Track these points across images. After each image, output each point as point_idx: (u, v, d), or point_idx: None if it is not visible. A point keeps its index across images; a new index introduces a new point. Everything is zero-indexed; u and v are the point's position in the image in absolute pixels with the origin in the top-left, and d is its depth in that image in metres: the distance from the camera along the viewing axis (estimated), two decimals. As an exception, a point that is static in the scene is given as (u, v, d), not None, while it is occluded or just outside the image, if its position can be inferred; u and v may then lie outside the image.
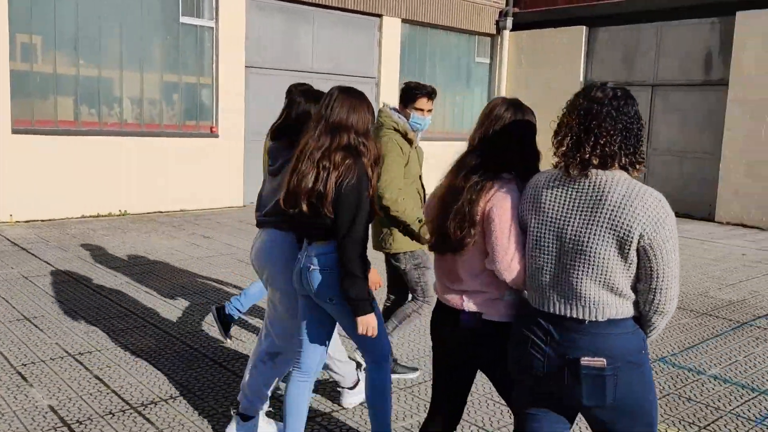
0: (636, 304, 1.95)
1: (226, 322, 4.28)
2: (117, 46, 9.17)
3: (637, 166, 1.92)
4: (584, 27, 12.43)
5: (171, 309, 5.13)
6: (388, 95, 11.96)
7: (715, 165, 10.78)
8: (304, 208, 2.56)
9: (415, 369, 4.02)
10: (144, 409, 3.44)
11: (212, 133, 10.15)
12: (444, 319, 2.30)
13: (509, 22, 13.46)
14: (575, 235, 1.92)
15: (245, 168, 10.56)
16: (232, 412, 3.18)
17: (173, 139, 9.74)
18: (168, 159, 9.65)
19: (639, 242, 1.86)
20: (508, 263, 2.08)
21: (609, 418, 1.96)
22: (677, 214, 8.74)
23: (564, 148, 1.94)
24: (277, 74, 10.82)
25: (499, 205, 2.11)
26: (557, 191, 1.98)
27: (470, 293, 2.20)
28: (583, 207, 1.93)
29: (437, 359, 2.38)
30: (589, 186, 1.92)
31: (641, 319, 1.98)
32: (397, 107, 3.81)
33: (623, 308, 1.93)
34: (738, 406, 3.72)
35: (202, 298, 5.47)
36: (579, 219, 1.93)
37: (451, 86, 13.45)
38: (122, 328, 4.65)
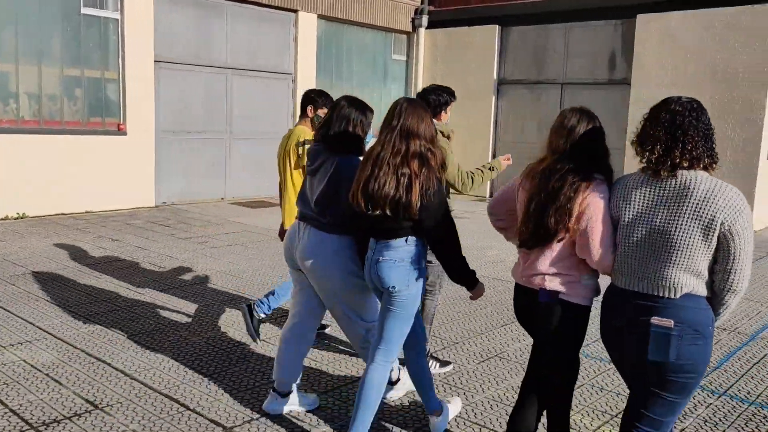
0: (710, 285, 2.29)
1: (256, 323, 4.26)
2: (12, 39, 8.57)
3: (714, 165, 2.28)
4: (497, 26, 12.72)
5: (74, 319, 4.83)
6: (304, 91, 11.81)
7: (621, 160, 11.30)
8: (388, 212, 2.80)
9: (448, 362, 4.20)
10: (46, 429, 3.20)
11: (120, 131, 9.67)
12: (527, 301, 2.65)
13: (425, 20, 13.59)
14: (662, 226, 2.28)
15: (156, 167, 10.15)
16: (270, 391, 3.45)
17: (77, 137, 9.21)
18: (71, 158, 9.12)
19: (720, 229, 2.20)
20: (602, 252, 2.43)
21: (662, 378, 2.29)
22: None
23: (655, 155, 2.29)
24: (189, 69, 10.46)
25: (594, 202, 2.45)
26: (645, 189, 2.34)
27: (552, 275, 2.55)
28: (669, 201, 2.28)
29: (534, 344, 2.78)
30: (675, 184, 2.28)
31: (714, 300, 2.31)
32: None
33: (699, 287, 2.27)
34: (646, 393, 3.88)
35: (108, 305, 5.18)
36: (665, 211, 2.28)
37: (369, 83, 13.44)
38: (19, 341, 4.32)
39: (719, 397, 3.86)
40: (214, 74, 10.78)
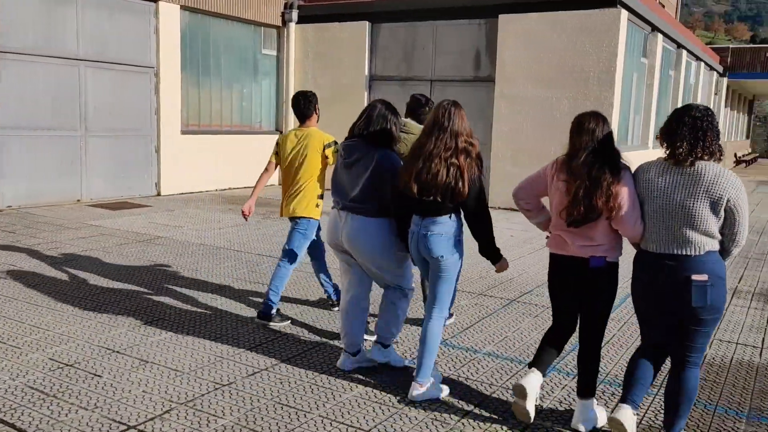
0: (720, 243, 3.05)
1: (268, 316, 4.85)
2: None
3: (721, 157, 3.02)
4: (367, 22, 12.79)
5: None
6: (168, 86, 11.25)
7: (487, 154, 11.76)
8: (439, 197, 3.45)
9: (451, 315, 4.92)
10: None
11: (-46, 128, 8.70)
12: (568, 265, 3.33)
13: (294, 14, 13.40)
14: (681, 202, 3.00)
15: (0, 166, 9.24)
16: (342, 352, 4.05)
17: None
18: None
19: (727, 203, 2.96)
20: (634, 224, 3.14)
21: (697, 321, 3.02)
22: None
23: (682, 150, 2.97)
24: (38, 61, 9.60)
25: (627, 185, 3.15)
26: (667, 175, 3.05)
27: (596, 246, 3.24)
28: (685, 184, 3.00)
29: (556, 295, 3.48)
30: (692, 171, 2.99)
31: (723, 252, 3.07)
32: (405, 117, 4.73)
33: (713, 245, 3.03)
34: (508, 380, 4.01)
35: (-63, 323, 4.61)
36: (683, 191, 3.00)
37: (238, 78, 13.06)
38: None
39: (573, 378, 4.06)
40: (64, 66, 9.96)
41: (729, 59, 24.67)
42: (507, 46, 11.38)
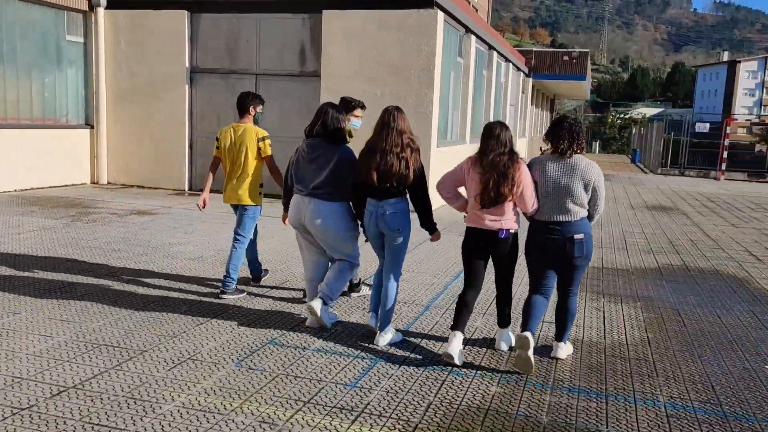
0: (588, 211, 4.27)
1: (258, 276, 5.98)
2: None
3: (584, 151, 4.23)
4: (186, 12, 12.18)
5: None
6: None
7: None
8: (394, 183, 4.37)
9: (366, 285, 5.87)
10: None
11: None
12: (483, 236, 4.31)
13: (104, -1, 12.38)
14: (565, 184, 4.16)
15: None
16: (317, 299, 4.72)
17: None
18: None
19: (593, 185, 4.18)
20: (532, 203, 4.24)
21: (575, 266, 4.29)
22: (273, 195, 8.96)
23: (562, 146, 4.19)
24: None
25: (526, 175, 4.20)
26: (554, 164, 4.22)
27: (503, 221, 4.25)
28: (566, 170, 4.18)
29: (470, 259, 4.41)
30: (571, 161, 4.19)
31: (589, 217, 4.29)
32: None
33: (584, 213, 4.24)
34: (337, 374, 4.02)
35: None
36: (566, 176, 4.17)
37: (39, 67, 11.81)
38: None
39: (400, 366, 4.18)
40: None
41: (533, 61, 26.99)
42: (332, 42, 11.44)
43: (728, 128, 26.14)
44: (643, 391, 3.96)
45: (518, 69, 23.26)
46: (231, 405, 3.52)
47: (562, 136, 4.19)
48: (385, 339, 4.55)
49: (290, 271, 6.55)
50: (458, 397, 3.77)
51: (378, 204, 4.45)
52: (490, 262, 4.46)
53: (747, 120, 50.26)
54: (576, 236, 4.19)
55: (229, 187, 5.57)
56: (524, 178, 4.16)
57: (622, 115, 57.46)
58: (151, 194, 11.76)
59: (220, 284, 5.68)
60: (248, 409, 3.48)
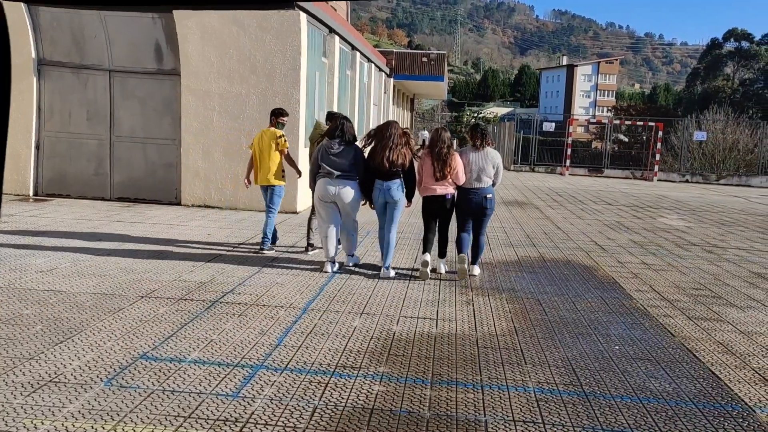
0: (493, 180, 7.01)
1: (263, 249, 7.81)
2: None
3: (492, 145, 7.24)
4: (22, 4, 11.09)
5: None
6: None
7: (177, 150, 11.27)
8: (397, 169, 6.75)
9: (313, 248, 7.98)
10: None
11: None
12: (435, 200, 6.91)
13: (-75, -17, 11.01)
14: (482, 165, 6.90)
15: None
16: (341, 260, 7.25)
17: None
18: None
19: (496, 166, 6.99)
20: (463, 177, 6.86)
21: (486, 215, 7.04)
22: (145, 201, 8.66)
23: (479, 141, 6.98)
24: None
25: (458, 160, 6.84)
26: (474, 153, 6.96)
27: (446, 189, 6.87)
28: (482, 157, 6.94)
29: (428, 216, 7.06)
30: (484, 152, 6.98)
31: (493, 184, 7.03)
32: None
33: (491, 182, 6.99)
34: (218, 385, 3.89)
35: None
36: (482, 160, 6.91)
37: None
38: None
39: (281, 372, 4.13)
40: None
41: (394, 62, 27.68)
42: (189, 41, 11.00)
43: (570, 127, 28.45)
44: (514, 379, 4.23)
45: (380, 69, 23.73)
46: (103, 428, 3.29)
47: (479, 135, 6.98)
48: (388, 273, 6.86)
49: (159, 280, 6.24)
50: (343, 398, 3.80)
51: (384, 183, 6.79)
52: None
53: (585, 119, 54.98)
54: (487, 195, 6.89)
55: (260, 174, 7.83)
56: (458, 162, 6.78)
57: (476, 114, 60.58)
58: (-10, 201, 10.63)
59: (90, 294, 5.27)
60: (123, 430, 3.28)
